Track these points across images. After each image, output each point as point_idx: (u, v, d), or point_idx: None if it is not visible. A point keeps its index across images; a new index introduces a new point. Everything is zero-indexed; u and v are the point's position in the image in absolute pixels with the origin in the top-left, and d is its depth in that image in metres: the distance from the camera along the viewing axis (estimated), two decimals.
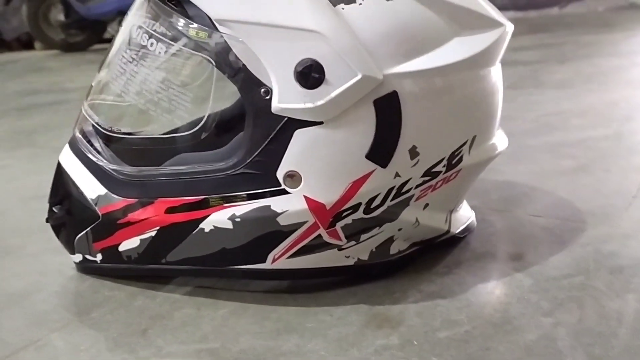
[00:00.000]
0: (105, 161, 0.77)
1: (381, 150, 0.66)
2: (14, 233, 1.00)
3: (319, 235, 0.69)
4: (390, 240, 0.73)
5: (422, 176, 0.69)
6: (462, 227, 0.82)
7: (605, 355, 0.58)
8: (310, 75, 0.62)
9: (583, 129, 1.29)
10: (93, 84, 0.79)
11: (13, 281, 0.83)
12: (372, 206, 0.68)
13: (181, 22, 0.68)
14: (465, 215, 0.84)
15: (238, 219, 0.69)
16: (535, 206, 0.93)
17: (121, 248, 0.75)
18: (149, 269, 0.76)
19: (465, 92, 0.69)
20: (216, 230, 0.70)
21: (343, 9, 0.64)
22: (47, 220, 0.82)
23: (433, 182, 0.71)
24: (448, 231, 0.79)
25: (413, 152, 0.67)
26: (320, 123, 0.64)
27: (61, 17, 3.79)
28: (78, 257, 0.80)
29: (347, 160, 0.66)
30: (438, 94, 0.67)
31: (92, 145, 0.78)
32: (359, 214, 0.68)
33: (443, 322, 0.65)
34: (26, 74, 3.14)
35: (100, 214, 0.75)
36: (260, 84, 0.65)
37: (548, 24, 3.13)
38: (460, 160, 0.71)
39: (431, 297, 0.70)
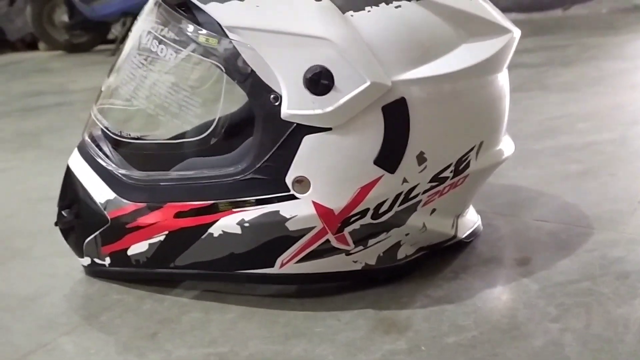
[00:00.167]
0: (114, 166, 0.77)
1: (389, 156, 0.66)
2: (21, 235, 1.00)
3: (327, 241, 0.69)
4: (398, 245, 0.74)
5: (430, 182, 0.70)
6: (468, 232, 0.82)
7: None
8: (319, 82, 0.63)
9: (588, 133, 1.29)
10: (102, 89, 0.80)
11: (22, 284, 0.84)
12: (380, 211, 0.69)
13: (191, 28, 0.69)
14: (471, 219, 0.84)
15: (247, 224, 0.69)
16: (541, 211, 0.93)
17: (130, 252, 0.76)
18: (158, 273, 0.76)
19: (472, 99, 0.70)
20: (225, 235, 0.70)
21: (352, 16, 0.64)
22: (56, 224, 0.82)
23: (440, 187, 0.71)
24: (455, 236, 0.80)
25: (421, 158, 0.67)
26: (329, 129, 0.65)
27: (65, 18, 3.80)
28: (86, 261, 0.81)
29: (355, 166, 0.66)
30: (446, 101, 0.67)
31: (101, 149, 0.79)
32: (367, 219, 0.69)
33: (450, 327, 0.66)
34: (30, 75, 3.15)
35: (109, 218, 0.75)
36: (270, 90, 0.65)
37: (552, 25, 3.12)
38: (468, 165, 0.72)
39: (438, 302, 0.70)
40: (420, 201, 0.71)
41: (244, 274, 0.73)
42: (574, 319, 0.65)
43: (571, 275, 0.74)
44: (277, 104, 0.65)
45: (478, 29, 0.69)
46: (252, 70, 0.66)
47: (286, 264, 0.71)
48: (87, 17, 3.69)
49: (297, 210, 0.68)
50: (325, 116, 0.64)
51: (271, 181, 0.68)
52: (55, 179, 0.82)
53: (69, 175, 0.80)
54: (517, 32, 0.72)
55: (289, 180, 0.67)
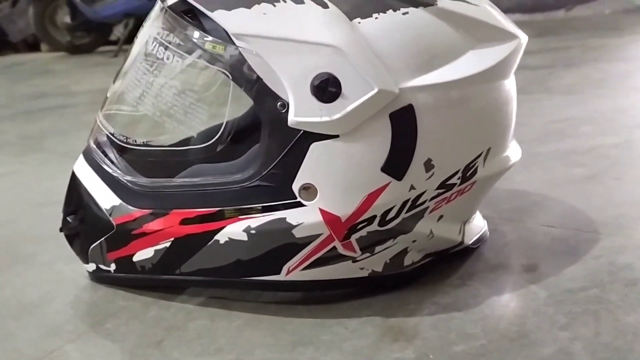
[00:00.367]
0: (119, 172, 0.77)
1: (396, 163, 0.66)
2: (25, 240, 1.00)
3: (334, 248, 0.69)
4: (404, 251, 0.74)
5: (437, 188, 0.69)
6: (475, 238, 0.82)
7: None
8: (327, 89, 0.63)
9: (592, 136, 1.28)
10: (108, 95, 0.80)
11: (26, 290, 0.83)
12: (387, 218, 0.68)
13: (197, 35, 0.69)
14: (478, 225, 0.84)
15: (253, 231, 0.69)
16: (547, 216, 0.92)
17: (135, 258, 0.75)
18: (163, 279, 0.76)
19: (480, 105, 0.69)
20: (231, 242, 0.70)
21: (359, 23, 0.64)
22: (61, 230, 0.82)
23: (448, 194, 0.71)
24: (462, 242, 0.79)
25: (428, 165, 0.67)
26: (337, 136, 0.65)
27: (67, 19, 3.80)
28: (92, 267, 0.80)
29: (363, 173, 0.66)
30: (453, 107, 0.67)
31: (106, 155, 0.79)
32: (374, 226, 0.68)
33: (459, 336, 0.65)
34: (33, 77, 3.15)
35: (114, 224, 0.75)
36: (277, 97, 0.65)
37: (554, 27, 3.12)
38: (475, 172, 0.71)
39: (446, 310, 0.70)
40: (427, 208, 0.70)
41: (250, 280, 0.73)
42: (583, 327, 0.65)
43: (579, 282, 0.73)
44: (284, 111, 0.65)
45: (485, 35, 0.69)
46: (258, 77, 0.65)
47: (292, 271, 0.70)
48: (89, 19, 3.69)
49: (303, 218, 0.67)
50: (333, 123, 0.64)
51: (278, 188, 0.68)
52: (59, 183, 0.81)
53: (74, 181, 0.80)
54: (524, 38, 0.72)
55: (295, 187, 0.67)
